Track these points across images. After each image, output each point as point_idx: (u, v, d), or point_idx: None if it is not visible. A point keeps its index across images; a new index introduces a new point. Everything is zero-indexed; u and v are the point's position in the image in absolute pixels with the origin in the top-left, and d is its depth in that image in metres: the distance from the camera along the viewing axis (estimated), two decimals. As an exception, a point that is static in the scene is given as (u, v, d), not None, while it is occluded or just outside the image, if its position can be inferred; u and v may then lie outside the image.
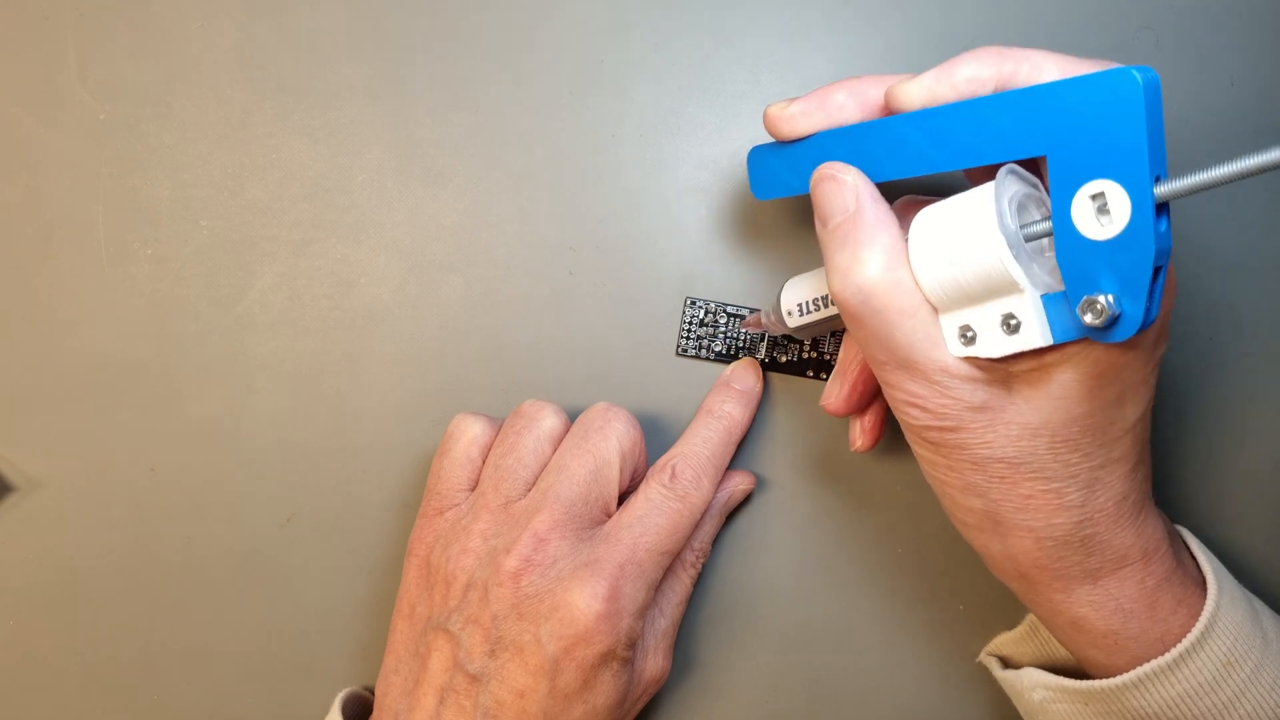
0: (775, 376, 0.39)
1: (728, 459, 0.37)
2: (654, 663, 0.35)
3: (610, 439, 0.35)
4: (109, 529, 0.39)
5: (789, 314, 0.35)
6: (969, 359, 0.29)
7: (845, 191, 0.30)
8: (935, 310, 0.29)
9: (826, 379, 0.39)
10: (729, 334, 0.39)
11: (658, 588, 0.36)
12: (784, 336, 0.39)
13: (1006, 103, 0.28)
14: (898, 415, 0.31)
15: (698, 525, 0.37)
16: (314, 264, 0.40)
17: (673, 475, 0.35)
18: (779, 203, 0.39)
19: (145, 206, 0.40)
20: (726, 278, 0.39)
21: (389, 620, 0.37)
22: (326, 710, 0.37)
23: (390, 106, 0.40)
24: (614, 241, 0.40)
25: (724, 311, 0.39)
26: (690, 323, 0.39)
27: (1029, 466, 0.30)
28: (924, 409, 0.30)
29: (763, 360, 0.39)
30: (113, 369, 0.40)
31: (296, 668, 0.39)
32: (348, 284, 0.40)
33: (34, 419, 0.39)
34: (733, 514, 0.39)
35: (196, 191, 0.40)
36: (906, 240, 0.29)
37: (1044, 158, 0.27)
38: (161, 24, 0.40)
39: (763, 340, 0.39)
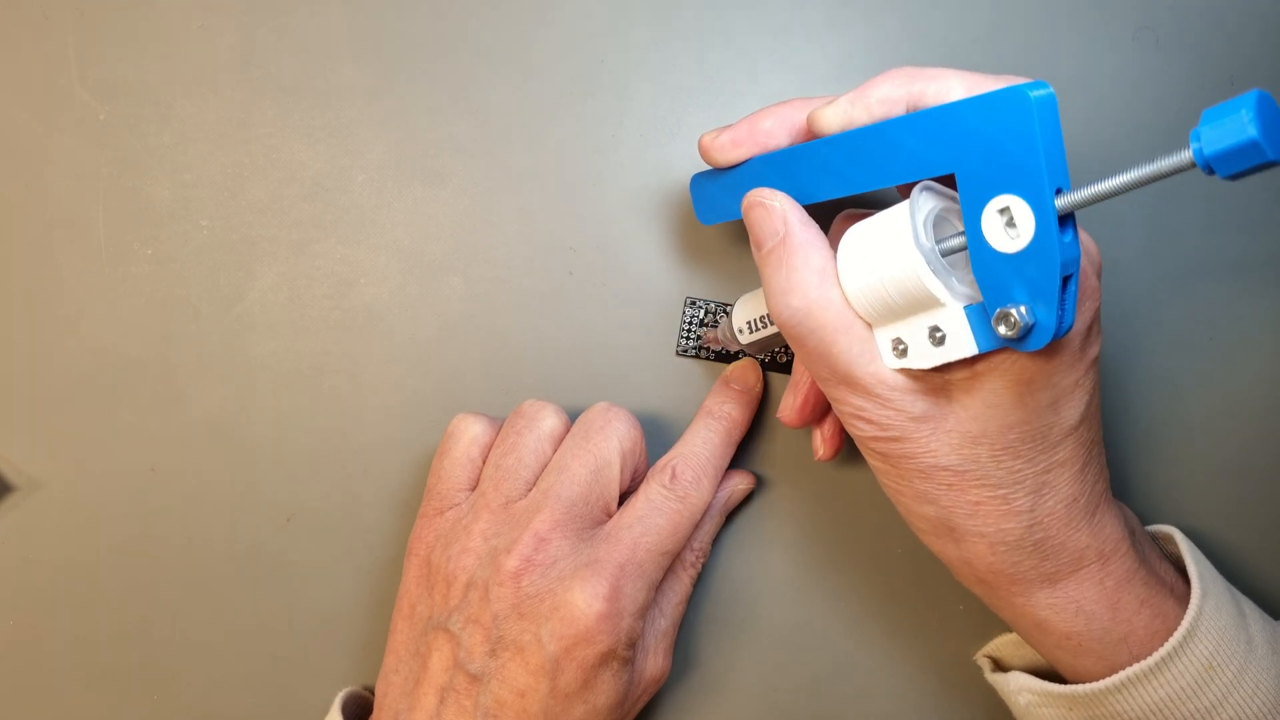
0: (775, 376, 0.39)
1: (728, 459, 0.37)
2: (654, 663, 0.35)
3: (611, 439, 0.35)
4: (109, 529, 0.39)
5: (740, 331, 0.36)
6: (904, 370, 0.30)
7: (774, 216, 0.31)
8: (869, 326, 0.30)
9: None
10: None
11: (658, 588, 0.36)
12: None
13: (915, 123, 0.28)
14: (847, 428, 0.32)
15: (698, 525, 0.37)
16: (314, 264, 0.40)
17: (673, 476, 0.35)
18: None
19: (145, 206, 0.40)
20: (727, 278, 0.39)
21: (389, 620, 0.37)
22: (326, 710, 0.37)
23: (390, 106, 0.40)
24: (614, 241, 0.40)
25: (724, 311, 0.39)
26: (690, 323, 0.39)
27: (973, 474, 0.30)
28: (869, 421, 0.30)
29: (762, 360, 0.39)
30: (113, 369, 0.40)
31: (296, 668, 0.39)
32: (348, 284, 0.40)
33: (34, 419, 0.39)
34: (732, 514, 0.39)
35: (196, 191, 0.40)
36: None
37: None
38: (161, 24, 0.40)
39: None
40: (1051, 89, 0.26)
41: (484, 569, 0.33)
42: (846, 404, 0.31)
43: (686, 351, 0.39)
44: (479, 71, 0.40)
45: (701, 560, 0.38)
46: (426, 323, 0.40)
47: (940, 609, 0.39)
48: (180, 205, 0.40)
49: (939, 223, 0.29)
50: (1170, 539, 0.35)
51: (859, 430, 0.31)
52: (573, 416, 0.37)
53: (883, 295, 0.29)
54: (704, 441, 0.37)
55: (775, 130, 0.33)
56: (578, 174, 0.40)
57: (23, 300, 0.40)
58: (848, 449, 0.38)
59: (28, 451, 0.39)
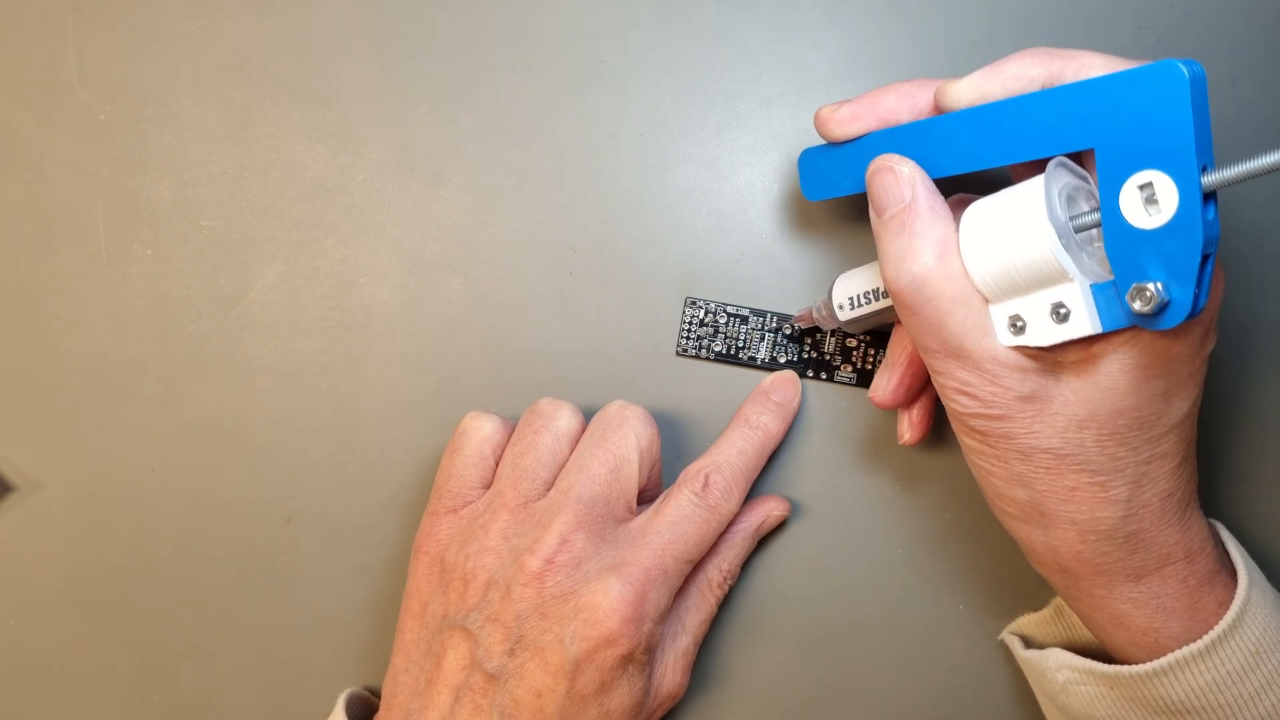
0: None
1: (758, 470, 0.37)
2: (672, 679, 0.35)
3: (628, 436, 0.35)
4: (109, 529, 0.39)
5: (840, 307, 0.35)
6: (1018, 348, 0.29)
7: (902, 182, 0.30)
8: (986, 300, 0.30)
9: (826, 379, 0.39)
10: (729, 334, 0.39)
11: (684, 607, 0.36)
12: (805, 334, 0.39)
13: (1055, 98, 0.28)
14: (946, 403, 0.31)
15: (728, 547, 0.37)
16: (314, 264, 0.40)
17: (705, 484, 0.35)
18: (781, 205, 0.39)
19: (145, 206, 0.40)
20: (727, 278, 0.39)
21: (389, 620, 0.37)
22: (327, 711, 0.37)
23: (390, 106, 0.40)
24: (614, 241, 0.40)
25: (724, 311, 0.39)
26: (690, 323, 0.39)
27: (1075, 458, 0.30)
28: (973, 397, 0.30)
29: (763, 361, 0.39)
30: (113, 369, 0.40)
31: (296, 668, 0.39)
32: (348, 284, 0.40)
33: (34, 419, 0.39)
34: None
35: (196, 191, 0.40)
36: (958, 233, 0.30)
37: (1091, 151, 0.28)
38: (161, 24, 0.40)
39: (763, 340, 0.39)
40: (1201, 66, 0.26)
41: (505, 568, 0.33)
42: (952, 378, 0.30)
43: (686, 351, 0.39)
44: (479, 72, 0.40)
45: (729, 582, 0.37)
46: (427, 323, 0.40)
47: (940, 609, 0.39)
48: (180, 205, 0.40)
49: (1069, 200, 0.29)
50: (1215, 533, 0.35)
51: (961, 406, 0.30)
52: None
53: (1008, 269, 0.28)
54: (739, 452, 0.36)
55: (897, 106, 0.32)
56: (578, 174, 0.40)
57: (23, 300, 0.40)
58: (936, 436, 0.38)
59: (28, 451, 0.39)
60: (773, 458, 0.39)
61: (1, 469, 0.39)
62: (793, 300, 0.39)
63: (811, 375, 0.39)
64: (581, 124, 0.40)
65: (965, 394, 0.30)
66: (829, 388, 0.39)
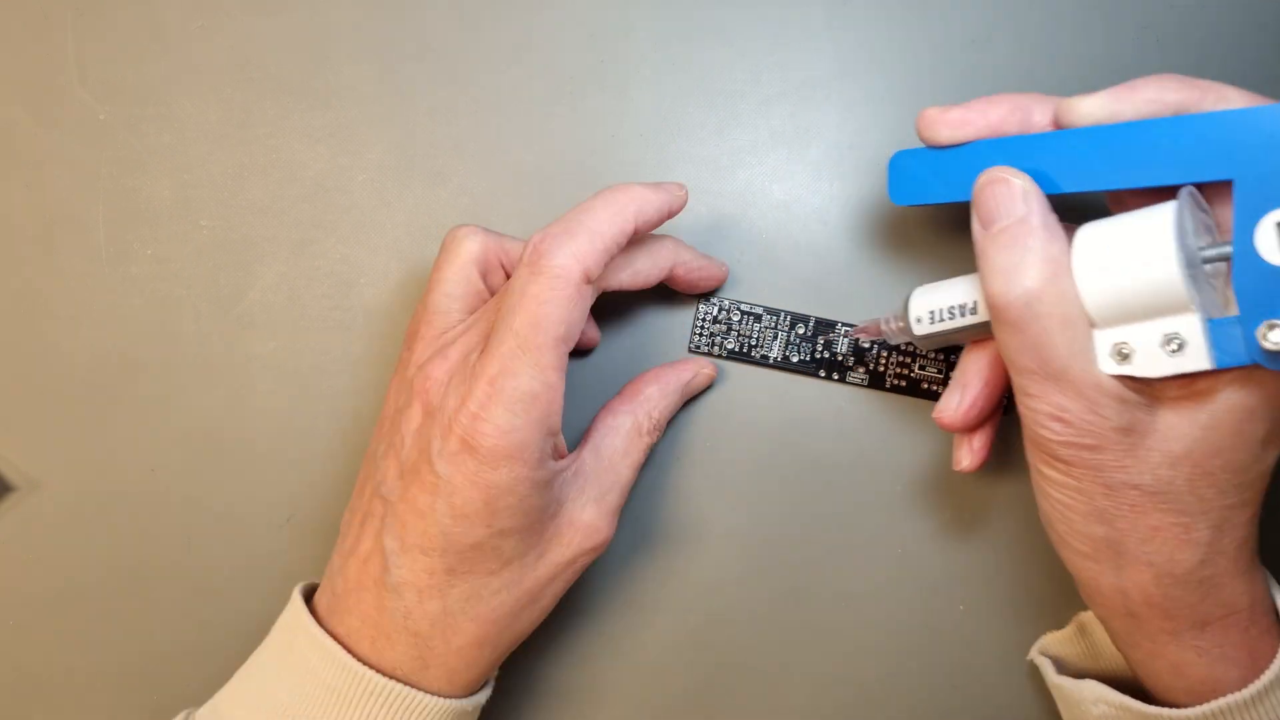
0: (778, 376, 0.39)
1: (615, 234, 0.32)
2: (592, 513, 0.33)
3: (445, 262, 0.35)
4: (109, 529, 0.39)
5: (918, 320, 0.34)
6: (1121, 377, 0.29)
7: (1015, 195, 0.29)
8: (1091, 325, 0.29)
9: (838, 380, 0.39)
10: (742, 331, 0.39)
11: (610, 447, 0.35)
12: (819, 333, 0.39)
13: (1196, 124, 0.28)
14: (1033, 429, 0.30)
15: (661, 396, 0.36)
16: (314, 264, 0.40)
17: (532, 250, 0.31)
18: (781, 206, 0.39)
19: (145, 206, 0.40)
20: (729, 277, 0.39)
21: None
22: None
23: (390, 106, 0.40)
24: (614, 241, 0.40)
25: (738, 309, 0.39)
26: (703, 319, 0.39)
27: (1163, 496, 0.29)
28: (1067, 424, 0.29)
29: (775, 359, 0.39)
30: (113, 369, 0.40)
31: (296, 668, 0.39)
32: (348, 284, 0.40)
33: (34, 419, 0.39)
34: (730, 516, 0.39)
35: (196, 191, 0.40)
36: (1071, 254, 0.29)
37: (1218, 184, 0.28)
38: (161, 24, 0.40)
39: (775, 339, 0.39)
40: None
41: (400, 395, 0.34)
42: (1046, 401, 0.29)
43: (699, 349, 0.39)
44: (479, 72, 0.40)
45: (658, 432, 0.37)
46: (426, 323, 0.40)
47: (940, 608, 0.39)
48: (180, 205, 0.40)
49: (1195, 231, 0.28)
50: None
51: (1052, 432, 0.29)
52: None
53: (1127, 294, 0.28)
54: (582, 209, 0.32)
55: (1009, 118, 0.31)
56: (578, 174, 0.40)
57: (23, 300, 0.40)
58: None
59: (28, 451, 0.39)
60: (775, 458, 0.39)
61: (1, 469, 0.39)
62: (792, 300, 0.39)
63: (823, 376, 0.39)
64: (581, 124, 0.40)
65: (1059, 420, 0.29)
66: (840, 389, 0.39)
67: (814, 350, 0.39)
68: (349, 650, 0.32)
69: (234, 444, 0.39)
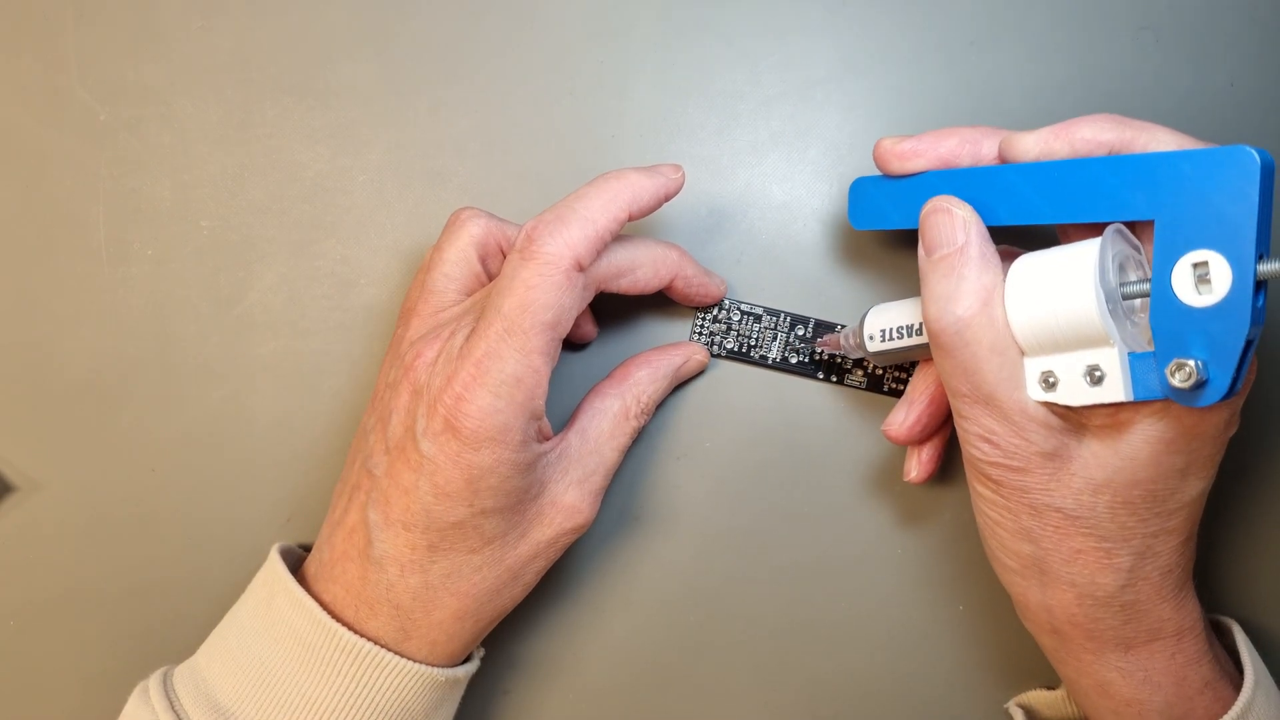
0: (777, 376, 0.39)
1: (607, 222, 0.32)
2: (575, 495, 0.33)
3: (445, 246, 0.35)
4: (109, 529, 0.39)
5: (870, 338, 0.36)
6: (1047, 404, 0.30)
7: (956, 224, 0.31)
8: (1021, 353, 0.30)
9: (837, 382, 0.39)
10: (742, 331, 0.39)
11: (597, 430, 0.35)
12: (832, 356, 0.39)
13: (1123, 165, 0.29)
14: (966, 448, 0.31)
15: (650, 380, 0.36)
16: (314, 264, 0.40)
17: (526, 237, 0.31)
18: (781, 206, 0.39)
19: (145, 206, 0.40)
20: (727, 278, 0.39)
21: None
22: None
23: (390, 106, 0.40)
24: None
25: (738, 309, 0.39)
26: (703, 318, 0.39)
27: (1085, 521, 0.30)
28: (995, 445, 0.30)
29: (774, 360, 0.39)
30: (113, 369, 0.40)
31: (296, 668, 0.39)
32: (348, 284, 0.40)
33: (34, 419, 0.39)
34: (726, 513, 0.39)
35: (196, 191, 0.40)
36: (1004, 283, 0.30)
37: (1149, 221, 0.28)
38: (161, 24, 0.40)
39: (775, 340, 0.39)
40: (1272, 156, 0.27)
41: (390, 371, 0.34)
42: (977, 424, 0.30)
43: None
44: (479, 72, 0.40)
45: (646, 416, 0.37)
46: (426, 323, 0.40)
47: (941, 608, 0.39)
48: (180, 205, 0.40)
49: (1120, 267, 0.29)
50: (1229, 630, 0.35)
51: (981, 453, 0.31)
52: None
53: (1051, 325, 0.29)
54: (575, 196, 0.32)
55: (958, 150, 0.33)
56: (578, 174, 0.40)
57: (23, 300, 0.40)
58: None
59: (28, 451, 0.39)
60: (775, 459, 0.39)
61: (1, 469, 0.39)
62: (792, 300, 0.39)
63: (822, 377, 0.39)
64: (581, 124, 0.40)
65: (988, 441, 0.30)
66: (839, 391, 0.39)
67: (813, 352, 0.39)
68: (333, 615, 0.32)
69: (234, 444, 0.39)
